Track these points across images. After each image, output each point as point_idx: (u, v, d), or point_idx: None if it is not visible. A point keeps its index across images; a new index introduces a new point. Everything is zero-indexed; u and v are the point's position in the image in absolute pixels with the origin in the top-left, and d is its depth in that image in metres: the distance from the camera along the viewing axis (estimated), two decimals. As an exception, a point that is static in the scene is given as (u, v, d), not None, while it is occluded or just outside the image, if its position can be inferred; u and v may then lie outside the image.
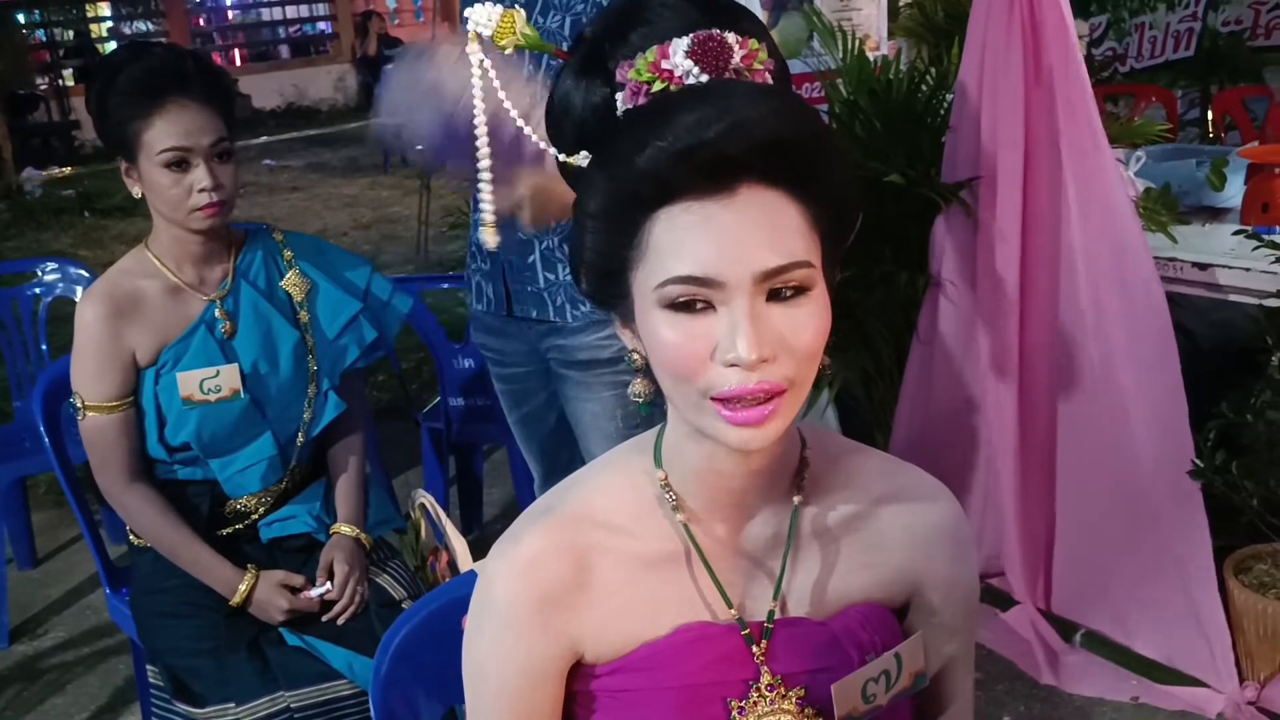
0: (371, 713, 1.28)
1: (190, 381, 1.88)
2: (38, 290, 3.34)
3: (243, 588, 1.87)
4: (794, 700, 0.94)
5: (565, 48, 0.96)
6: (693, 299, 0.83)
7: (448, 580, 1.88)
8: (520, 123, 0.95)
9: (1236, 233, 2.38)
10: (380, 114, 1.76)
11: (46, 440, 2.22)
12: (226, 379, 1.90)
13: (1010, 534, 2.64)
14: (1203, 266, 2.49)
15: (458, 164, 1.77)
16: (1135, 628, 2.50)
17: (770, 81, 0.88)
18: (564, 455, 2.18)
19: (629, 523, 0.97)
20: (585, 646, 0.97)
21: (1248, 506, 2.25)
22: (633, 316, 0.89)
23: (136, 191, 1.87)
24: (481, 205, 0.93)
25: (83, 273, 3.35)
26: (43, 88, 13.62)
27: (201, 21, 16.15)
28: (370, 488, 2.10)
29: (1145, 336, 2.36)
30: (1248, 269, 2.41)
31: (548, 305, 1.99)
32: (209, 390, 1.89)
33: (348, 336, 2.02)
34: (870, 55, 3.02)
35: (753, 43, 0.86)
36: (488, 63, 0.92)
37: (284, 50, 16.57)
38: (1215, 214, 2.78)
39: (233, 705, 1.74)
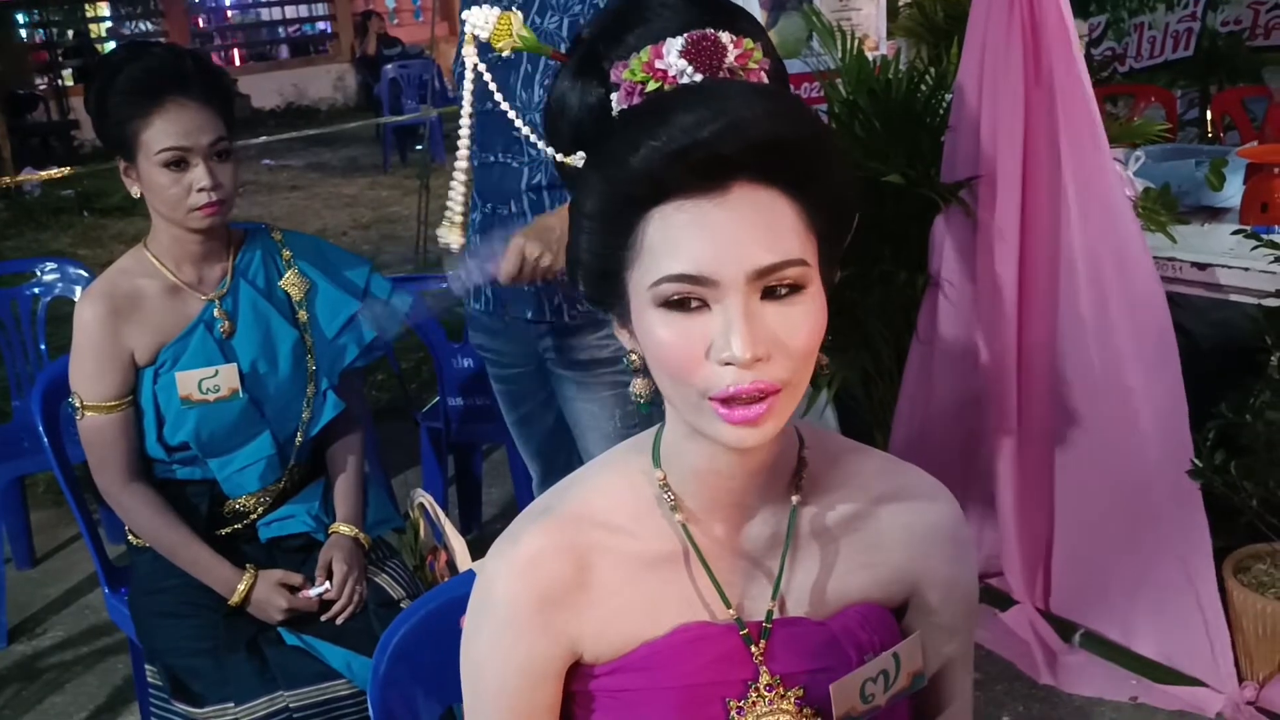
0: (370, 712, 1.28)
1: (189, 381, 1.88)
2: (37, 290, 3.33)
3: (241, 587, 1.87)
4: (792, 700, 0.94)
5: (563, 49, 0.96)
6: (687, 297, 0.83)
7: (446, 580, 1.87)
8: (513, 116, 0.96)
9: (1235, 232, 2.38)
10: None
11: (45, 440, 2.22)
12: (225, 378, 1.90)
13: (1009, 534, 2.64)
14: (1202, 266, 2.49)
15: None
16: (1134, 627, 2.50)
17: (766, 81, 0.88)
18: (562, 455, 2.18)
19: (628, 522, 0.97)
20: (584, 646, 0.96)
21: (1247, 506, 2.24)
22: (630, 317, 0.89)
23: (135, 191, 1.87)
24: (450, 203, 0.94)
25: (82, 272, 3.35)
26: (42, 88, 13.60)
27: (201, 21, 16.14)
28: (369, 487, 2.10)
29: (1146, 336, 2.36)
30: (1247, 269, 2.41)
31: (544, 305, 1.99)
32: (208, 390, 1.89)
33: (347, 336, 2.02)
34: (869, 55, 3.02)
35: (747, 42, 0.86)
36: (481, 66, 0.93)
37: (283, 50, 16.56)
38: (1214, 214, 2.78)
39: (231, 705, 1.74)
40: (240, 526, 1.98)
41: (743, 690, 0.94)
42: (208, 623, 1.86)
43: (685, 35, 0.85)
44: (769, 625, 0.96)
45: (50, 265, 3.40)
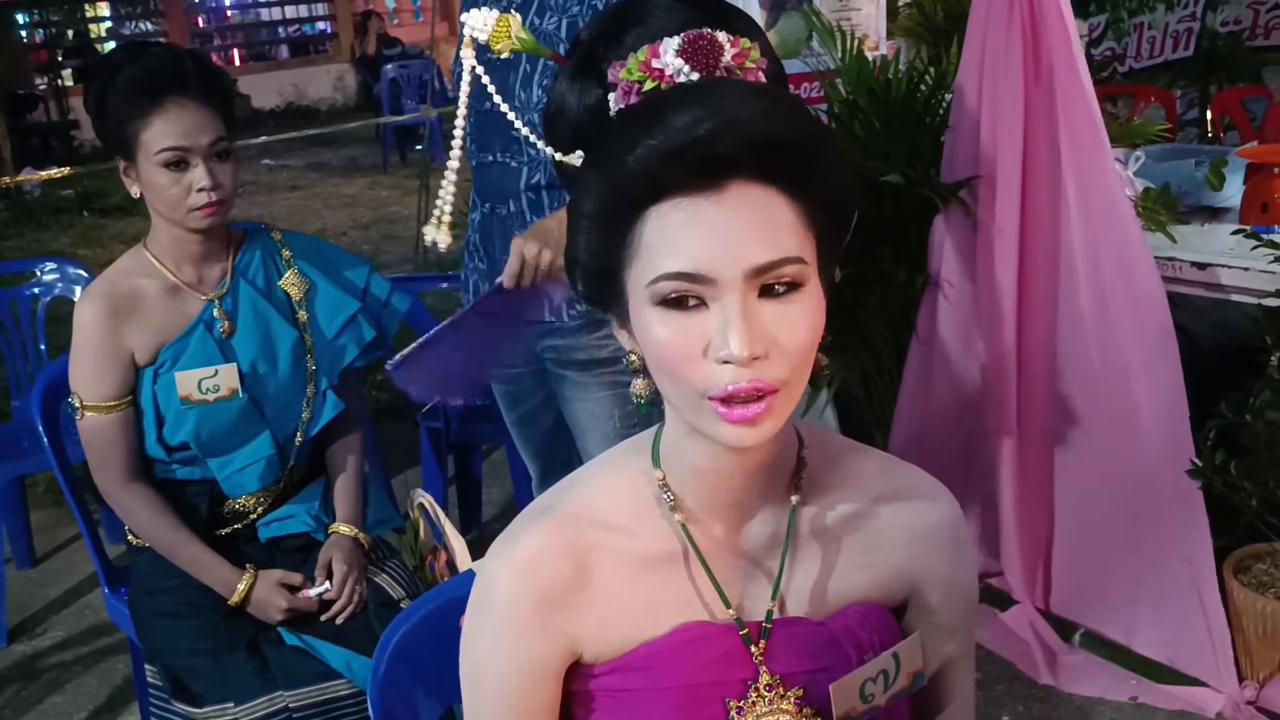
0: (370, 712, 1.28)
1: (189, 381, 1.88)
2: (36, 290, 3.33)
3: (241, 587, 1.86)
4: (792, 700, 0.94)
5: (561, 49, 0.97)
6: (684, 295, 0.84)
7: (446, 580, 1.87)
8: (512, 117, 0.96)
9: (1235, 232, 2.38)
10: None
11: (45, 440, 2.22)
12: (225, 378, 1.90)
13: (1009, 534, 2.64)
14: (1202, 266, 2.49)
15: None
16: (1134, 627, 2.50)
17: (763, 81, 0.88)
18: (562, 455, 2.18)
19: (628, 522, 0.97)
20: (584, 646, 0.96)
21: (1247, 506, 2.24)
22: (629, 317, 0.89)
23: (135, 191, 1.87)
24: (439, 201, 0.94)
25: (81, 272, 3.34)
26: (42, 88, 13.60)
27: (201, 21, 16.14)
28: (369, 487, 2.10)
29: (1147, 335, 2.35)
30: (1247, 269, 2.41)
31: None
32: (207, 390, 1.89)
33: (346, 336, 2.02)
34: (869, 55, 3.02)
35: (744, 41, 0.87)
36: (480, 69, 0.93)
37: (283, 50, 16.56)
38: (1214, 214, 2.78)
39: (231, 705, 1.74)
40: (240, 526, 1.98)
41: (742, 690, 0.94)
42: (207, 623, 1.86)
43: (682, 35, 0.85)
44: (769, 625, 0.96)
45: (50, 265, 3.40)
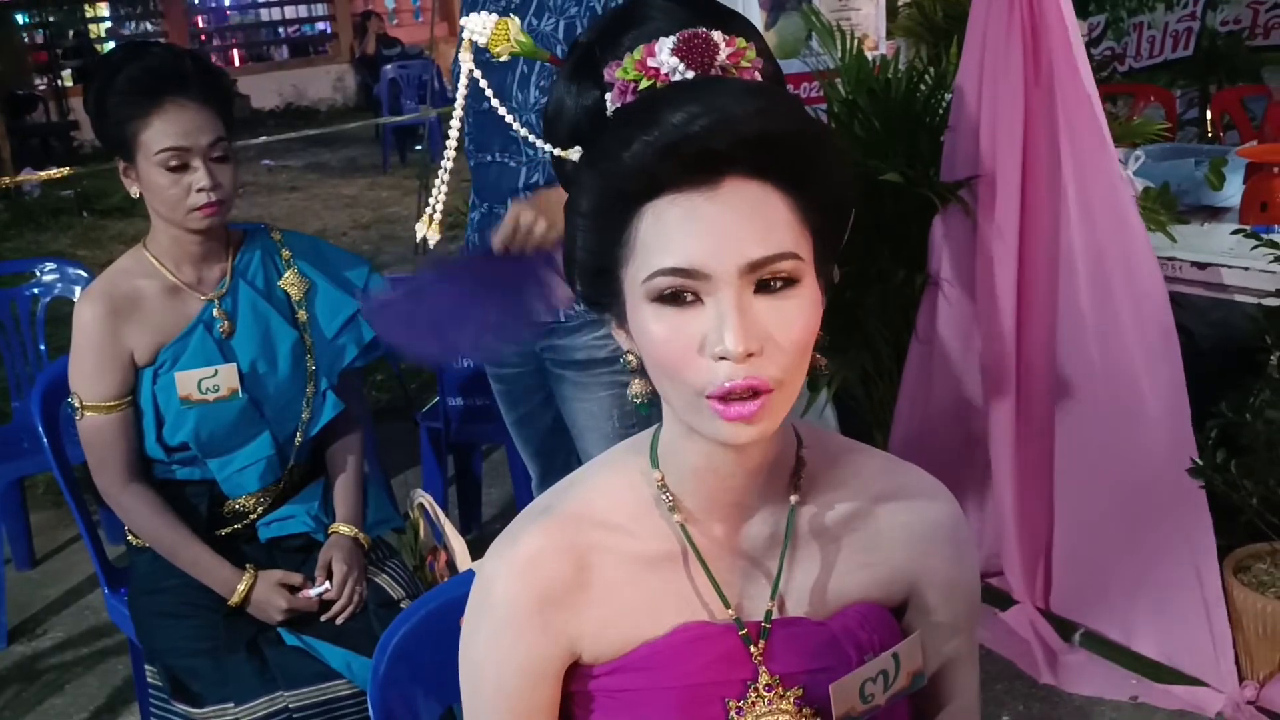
0: (370, 712, 1.28)
1: (188, 381, 1.88)
2: (36, 290, 3.33)
3: (241, 587, 1.86)
4: (792, 700, 0.94)
5: (559, 50, 0.97)
6: (680, 290, 0.84)
7: (446, 580, 1.87)
8: (510, 119, 0.97)
9: (1235, 232, 2.38)
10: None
11: (45, 440, 2.22)
12: (225, 378, 1.90)
13: (1009, 533, 2.64)
14: (1202, 266, 2.49)
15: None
16: (1135, 627, 2.49)
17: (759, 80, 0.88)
18: (561, 455, 2.18)
19: (628, 522, 0.97)
20: (584, 646, 0.96)
21: (1247, 506, 2.24)
22: (626, 317, 0.89)
23: (135, 191, 1.87)
24: (432, 200, 0.95)
25: (81, 273, 3.34)
26: (41, 88, 13.60)
27: (200, 22, 16.14)
28: (369, 487, 2.10)
29: (1148, 333, 2.35)
30: (1247, 268, 2.41)
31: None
32: (207, 390, 1.89)
33: (346, 336, 2.02)
34: (869, 55, 3.02)
35: (740, 41, 0.87)
36: (477, 73, 0.94)
37: (283, 50, 16.57)
38: (1214, 213, 2.78)
39: (231, 705, 1.74)
40: (240, 527, 1.98)
41: (742, 690, 0.94)
42: (207, 623, 1.86)
43: (677, 34, 0.85)
44: (768, 625, 0.96)
45: (50, 266, 3.40)
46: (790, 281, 0.84)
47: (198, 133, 1.80)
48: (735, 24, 0.89)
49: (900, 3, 4.77)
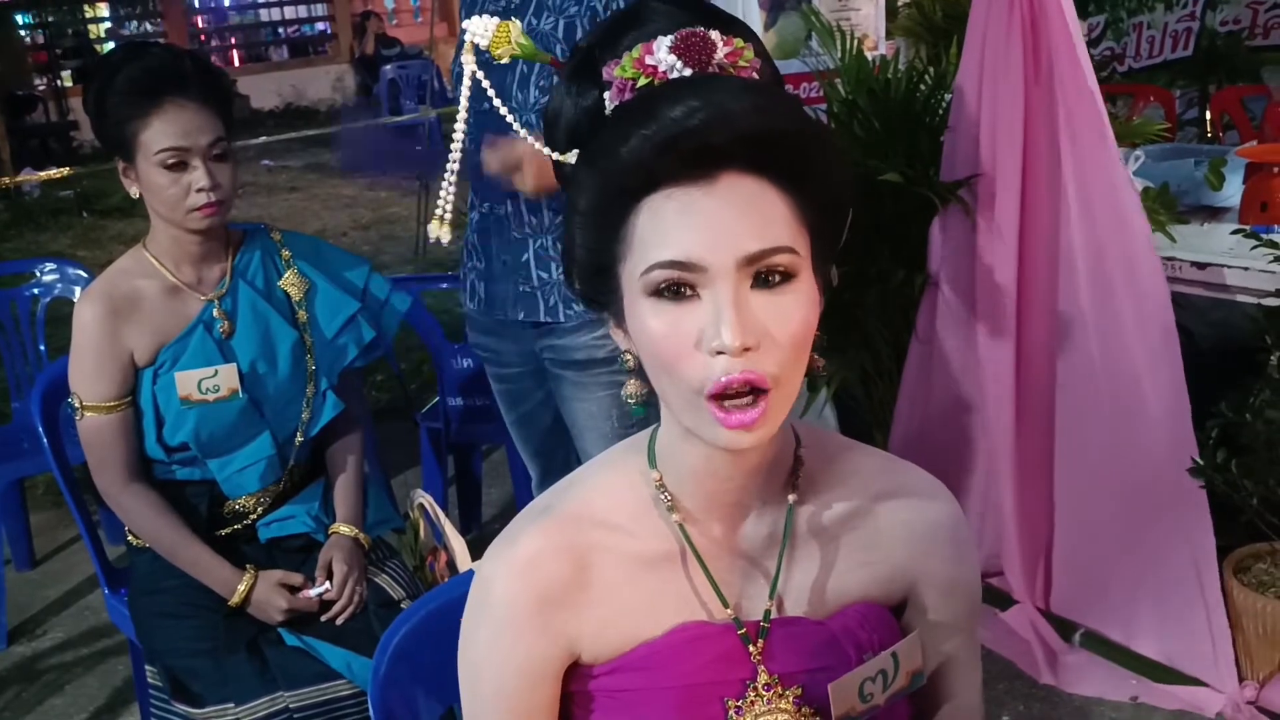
0: (370, 713, 1.28)
1: (188, 381, 1.88)
2: (36, 291, 3.33)
3: (241, 588, 1.86)
4: (791, 700, 0.94)
5: (558, 50, 0.98)
6: (677, 284, 0.84)
7: (446, 580, 1.88)
8: (510, 119, 0.97)
9: (1235, 232, 2.38)
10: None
11: (45, 441, 2.22)
12: (225, 379, 1.90)
13: (1009, 533, 2.64)
14: (1201, 266, 2.49)
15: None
16: (1135, 627, 2.50)
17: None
18: (560, 455, 2.18)
19: (627, 522, 0.97)
20: (583, 646, 0.96)
21: (1247, 506, 2.24)
22: (624, 315, 0.89)
23: (134, 191, 1.87)
24: (440, 200, 0.96)
25: (81, 273, 3.34)
26: (41, 88, 13.60)
27: (200, 22, 16.14)
28: (369, 487, 2.10)
29: (1149, 332, 2.35)
30: (1246, 268, 2.41)
31: (539, 305, 1.99)
32: (207, 390, 1.89)
33: (346, 336, 2.02)
34: (869, 55, 3.02)
35: (737, 41, 0.87)
36: (480, 74, 0.94)
37: (282, 51, 16.57)
38: (1214, 213, 2.78)
39: (232, 705, 1.74)
40: (240, 527, 1.98)
41: (741, 690, 0.94)
42: (207, 623, 1.86)
43: (675, 33, 0.86)
44: (767, 625, 0.96)
45: (49, 266, 3.40)
46: (787, 276, 0.84)
47: (197, 133, 1.80)
48: (734, 28, 0.89)
49: (900, 3, 4.77)
